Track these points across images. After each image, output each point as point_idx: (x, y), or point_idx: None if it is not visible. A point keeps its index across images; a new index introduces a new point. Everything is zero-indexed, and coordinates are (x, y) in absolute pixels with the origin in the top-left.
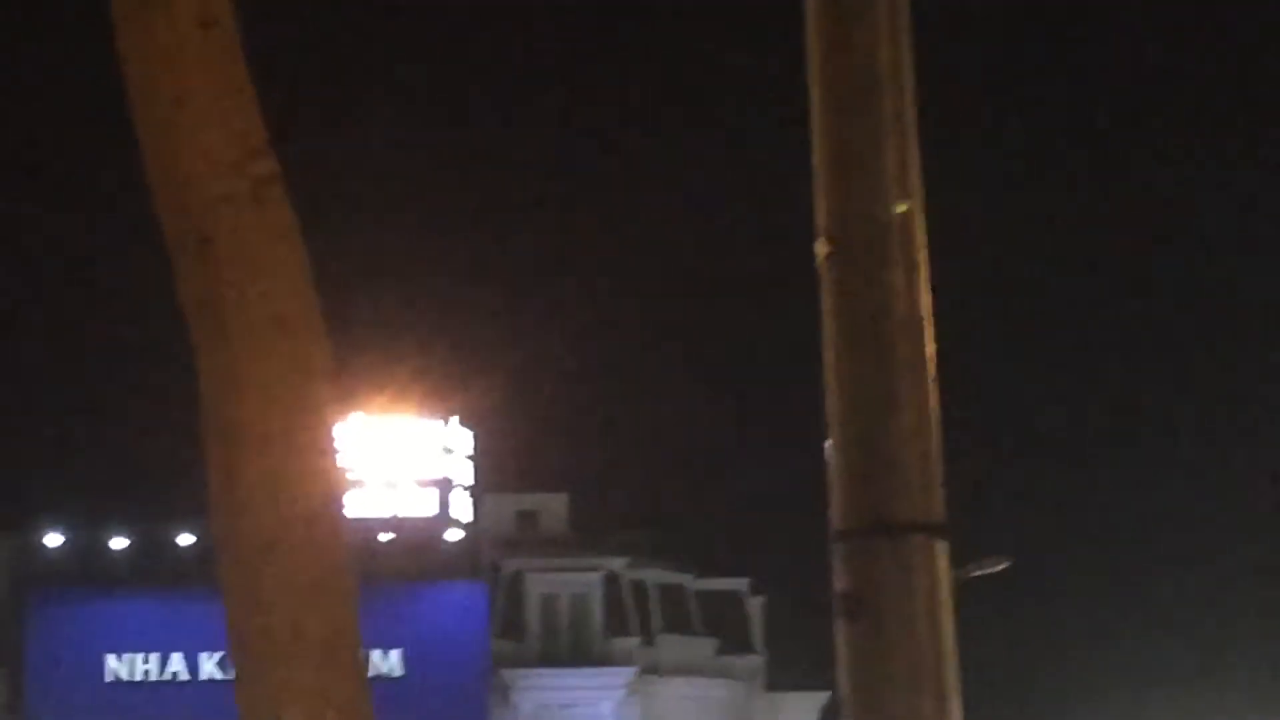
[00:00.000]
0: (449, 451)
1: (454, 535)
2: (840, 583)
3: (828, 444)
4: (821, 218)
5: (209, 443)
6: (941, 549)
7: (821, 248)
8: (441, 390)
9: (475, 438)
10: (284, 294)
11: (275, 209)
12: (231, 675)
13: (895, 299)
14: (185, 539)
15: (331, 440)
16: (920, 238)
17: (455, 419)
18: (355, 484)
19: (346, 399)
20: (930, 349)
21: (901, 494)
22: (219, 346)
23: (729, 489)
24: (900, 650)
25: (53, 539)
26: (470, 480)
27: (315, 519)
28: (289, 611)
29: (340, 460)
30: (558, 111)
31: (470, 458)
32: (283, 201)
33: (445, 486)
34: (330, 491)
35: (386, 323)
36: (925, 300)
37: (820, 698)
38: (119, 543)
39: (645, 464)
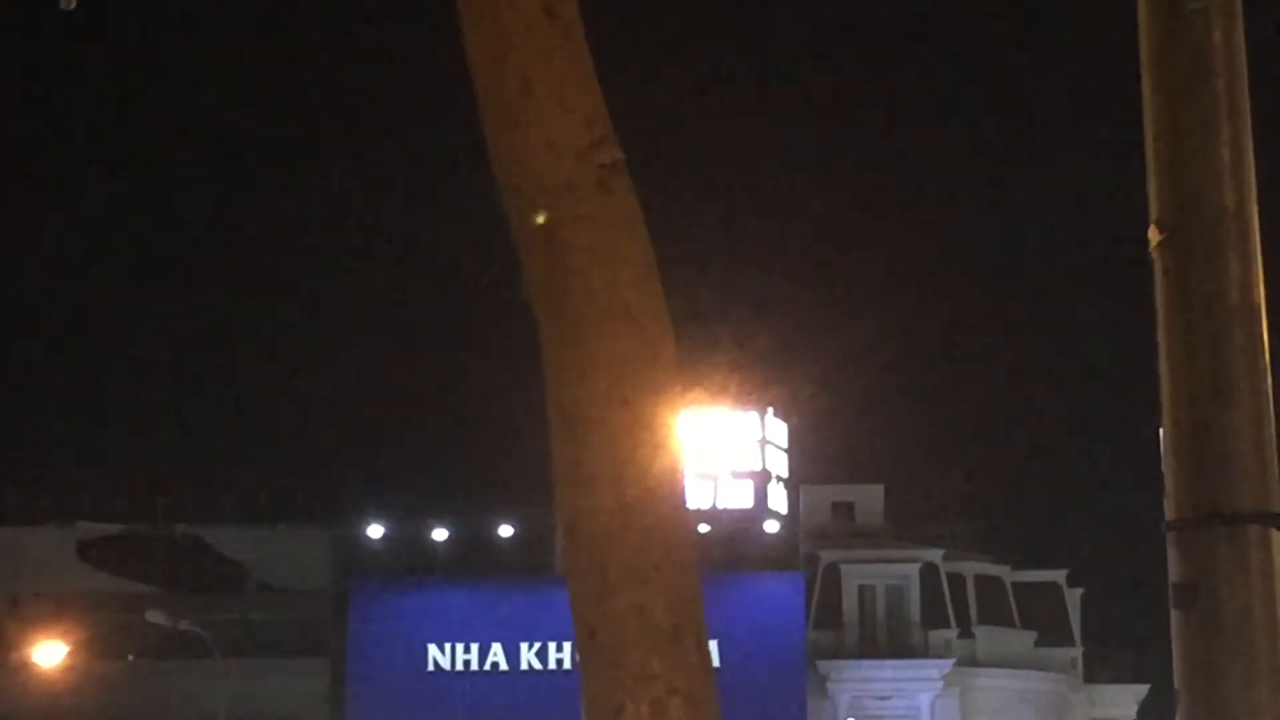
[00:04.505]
0: (765, 444)
1: (771, 527)
2: (1175, 573)
3: (1160, 432)
4: (1154, 205)
5: (554, 429)
6: (1278, 539)
7: (1154, 235)
8: (757, 383)
9: (790, 430)
10: (629, 282)
11: (620, 197)
12: (549, 666)
13: (1230, 286)
14: (505, 530)
15: (674, 426)
16: (1255, 224)
17: (771, 411)
18: None
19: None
20: (1265, 336)
21: (1237, 483)
22: (565, 335)
23: (1047, 479)
24: (1236, 640)
25: (375, 531)
26: (786, 472)
27: (659, 502)
28: (635, 595)
29: (681, 445)
30: (884, 114)
31: (786, 450)
32: (627, 190)
33: (762, 478)
34: (673, 476)
35: (703, 316)
36: (1260, 287)
37: (1139, 690)
38: (440, 534)
39: (962, 454)
